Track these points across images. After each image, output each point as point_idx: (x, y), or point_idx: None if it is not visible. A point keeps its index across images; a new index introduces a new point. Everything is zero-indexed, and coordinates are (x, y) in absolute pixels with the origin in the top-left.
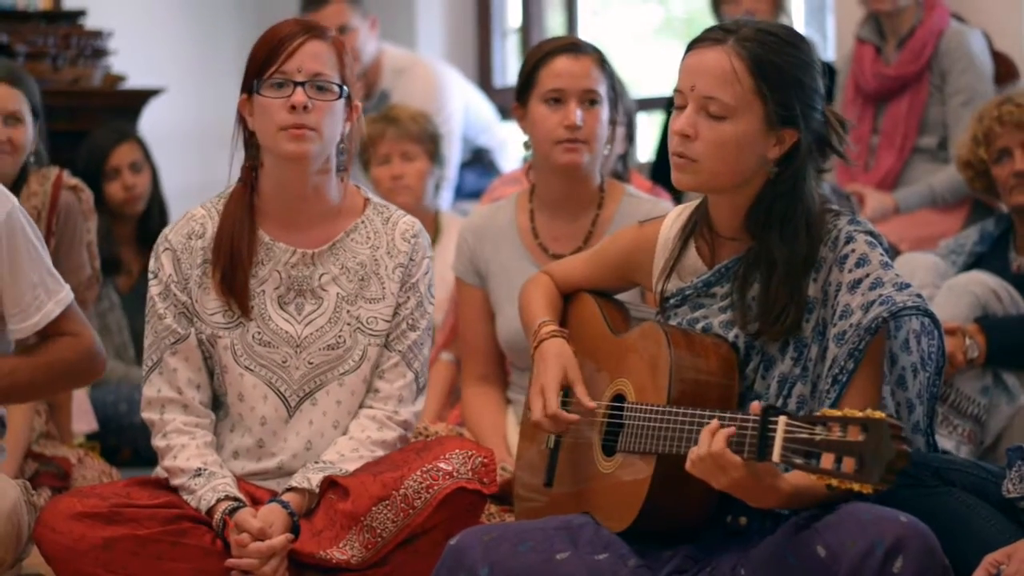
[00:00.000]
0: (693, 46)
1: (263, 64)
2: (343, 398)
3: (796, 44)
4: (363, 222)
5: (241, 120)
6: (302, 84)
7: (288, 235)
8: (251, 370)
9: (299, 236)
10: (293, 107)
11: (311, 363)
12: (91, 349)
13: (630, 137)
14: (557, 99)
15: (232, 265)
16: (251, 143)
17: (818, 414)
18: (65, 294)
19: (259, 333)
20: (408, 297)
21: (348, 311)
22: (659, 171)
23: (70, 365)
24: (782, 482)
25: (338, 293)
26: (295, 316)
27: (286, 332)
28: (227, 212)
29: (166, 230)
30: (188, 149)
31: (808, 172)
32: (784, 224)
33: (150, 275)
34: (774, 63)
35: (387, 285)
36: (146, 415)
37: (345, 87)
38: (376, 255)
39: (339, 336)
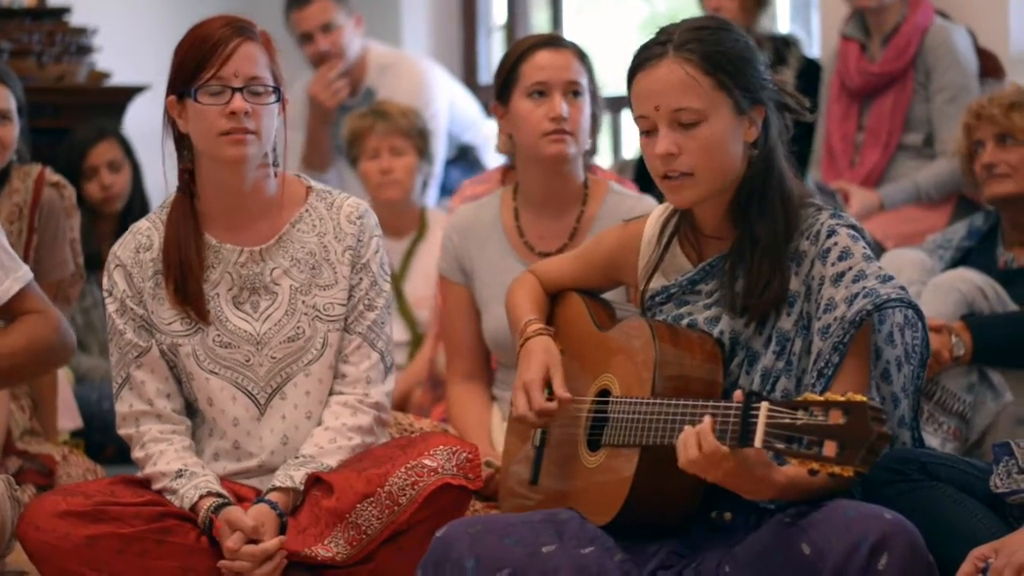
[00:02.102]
0: (637, 70)
1: (196, 69)
2: (311, 388)
3: (727, 29)
4: (307, 211)
5: (171, 122)
6: (240, 90)
7: (234, 235)
8: (216, 373)
9: (245, 234)
10: (233, 113)
11: (274, 358)
12: (59, 326)
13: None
14: (541, 92)
15: (183, 275)
16: (182, 146)
17: (799, 399)
18: (24, 272)
19: (219, 336)
20: (361, 278)
21: (303, 301)
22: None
23: (44, 342)
24: (776, 473)
25: (291, 285)
26: (251, 314)
27: (245, 331)
28: (170, 222)
29: (114, 247)
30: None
31: (777, 143)
32: (762, 200)
33: (105, 294)
34: (722, 53)
35: (338, 269)
36: (123, 431)
37: (279, 87)
38: (324, 241)
39: (298, 327)
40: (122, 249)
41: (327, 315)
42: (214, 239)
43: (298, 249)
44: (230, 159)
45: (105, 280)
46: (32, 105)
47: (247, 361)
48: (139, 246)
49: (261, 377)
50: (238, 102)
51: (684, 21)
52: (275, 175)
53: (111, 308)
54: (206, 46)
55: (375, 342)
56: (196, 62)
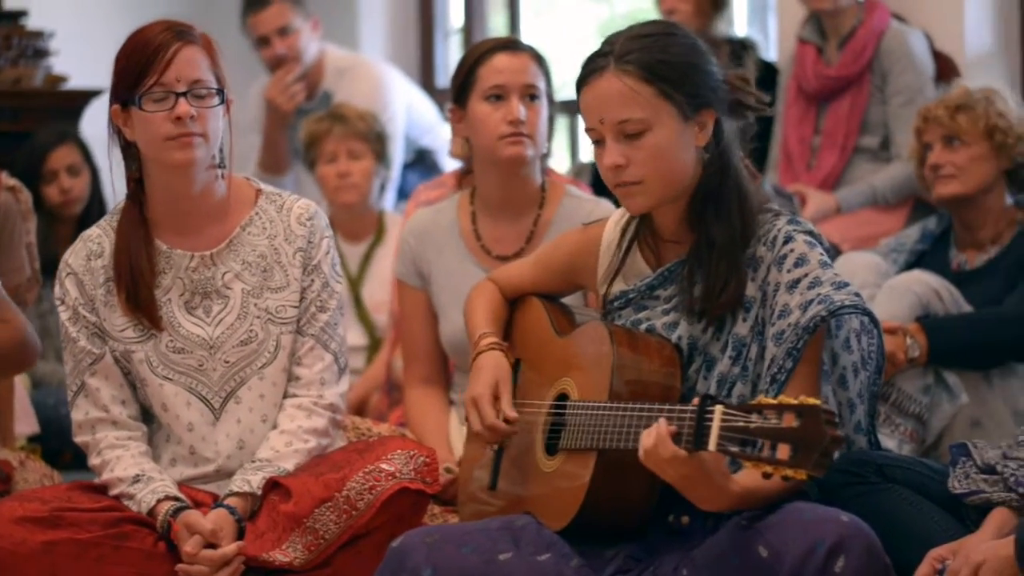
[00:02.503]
0: (582, 83)
1: (138, 76)
2: (266, 391)
3: (671, 33)
4: (257, 213)
5: (116, 131)
6: (184, 94)
7: (184, 240)
8: (170, 379)
9: (195, 239)
10: (178, 118)
11: (227, 362)
12: (24, 335)
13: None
14: (499, 95)
15: (134, 282)
16: (129, 154)
17: (753, 403)
18: None
19: (171, 341)
20: (312, 280)
21: (255, 304)
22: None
23: (6, 351)
24: (732, 484)
25: (243, 288)
26: (204, 319)
27: (198, 336)
28: (120, 230)
29: (65, 255)
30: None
31: (732, 144)
32: (718, 202)
33: (57, 302)
34: (663, 61)
35: (290, 271)
36: (79, 439)
37: (223, 89)
38: (275, 244)
39: (250, 331)
40: (73, 257)
41: (279, 318)
42: (164, 245)
43: (249, 252)
44: (178, 163)
45: (57, 288)
46: None
47: (200, 366)
48: (90, 253)
49: (215, 382)
50: (182, 107)
51: (629, 28)
52: (223, 177)
53: (64, 316)
54: (147, 52)
55: (328, 343)
56: (138, 69)
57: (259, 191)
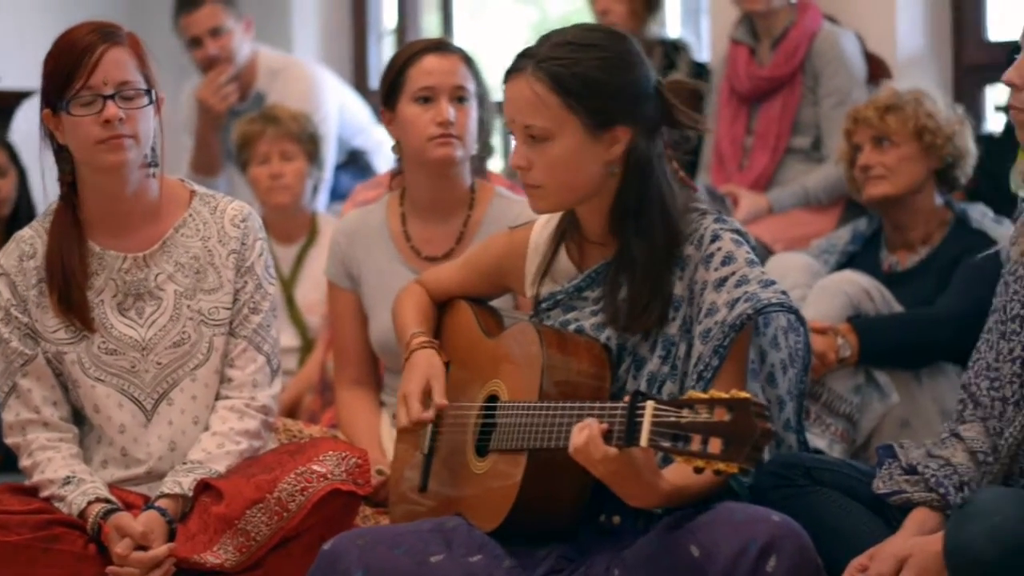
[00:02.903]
0: (505, 79)
1: (66, 80)
2: (198, 393)
3: (597, 45)
4: (191, 215)
5: (48, 134)
6: (111, 97)
7: (117, 241)
8: (102, 380)
9: (128, 240)
10: (107, 121)
11: (160, 363)
12: None
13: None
14: (428, 97)
15: (67, 283)
16: (62, 157)
17: (685, 397)
18: None
19: (104, 343)
20: (245, 281)
21: (188, 306)
22: None
23: None
24: (662, 481)
25: (175, 290)
26: (136, 320)
27: (130, 337)
28: (53, 231)
29: None
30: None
31: (652, 159)
32: (639, 218)
33: None
34: (575, 74)
35: (223, 273)
36: (10, 440)
37: (152, 89)
38: (208, 245)
39: (183, 332)
40: (5, 257)
41: (212, 319)
42: (97, 246)
43: (182, 254)
44: (109, 166)
45: None
46: None
47: (133, 367)
48: (23, 254)
49: (147, 383)
50: (111, 109)
51: (559, 32)
52: (155, 176)
53: None
54: (73, 55)
55: (261, 345)
56: (65, 73)
57: (193, 192)
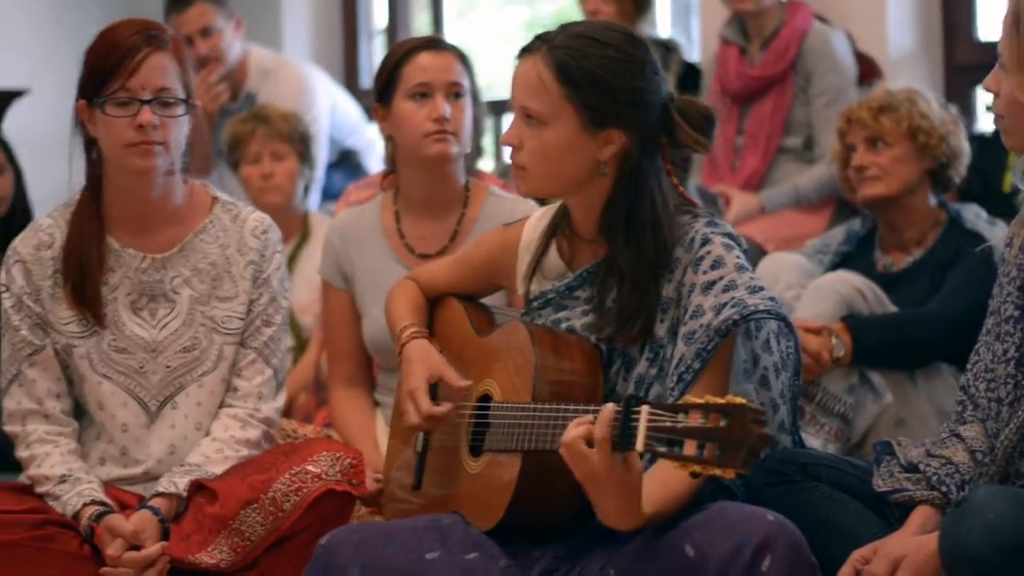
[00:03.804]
0: (517, 56)
1: (104, 78)
2: (203, 399)
3: (612, 44)
4: (211, 222)
5: (80, 124)
6: (148, 102)
7: (137, 240)
8: (109, 378)
9: (148, 241)
10: (140, 126)
11: (168, 367)
12: None
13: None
14: (423, 93)
15: (82, 276)
16: (92, 148)
17: (680, 402)
18: None
19: (114, 340)
20: (261, 293)
21: (202, 312)
22: None
23: None
24: (643, 504)
25: (191, 295)
26: (149, 321)
27: (141, 338)
28: (74, 222)
29: (15, 242)
30: (53, 151)
31: (648, 171)
32: (628, 227)
33: (1, 288)
34: (582, 67)
35: (239, 283)
36: (8, 428)
37: (189, 99)
38: (227, 253)
39: (194, 338)
40: (23, 245)
41: (225, 328)
42: (117, 243)
43: (200, 259)
44: (137, 170)
45: (3, 275)
46: None
47: (141, 368)
48: (40, 243)
49: (154, 385)
50: (146, 115)
51: (576, 24)
52: (185, 182)
53: (7, 303)
54: (115, 55)
55: (270, 358)
56: (105, 71)
57: (215, 198)
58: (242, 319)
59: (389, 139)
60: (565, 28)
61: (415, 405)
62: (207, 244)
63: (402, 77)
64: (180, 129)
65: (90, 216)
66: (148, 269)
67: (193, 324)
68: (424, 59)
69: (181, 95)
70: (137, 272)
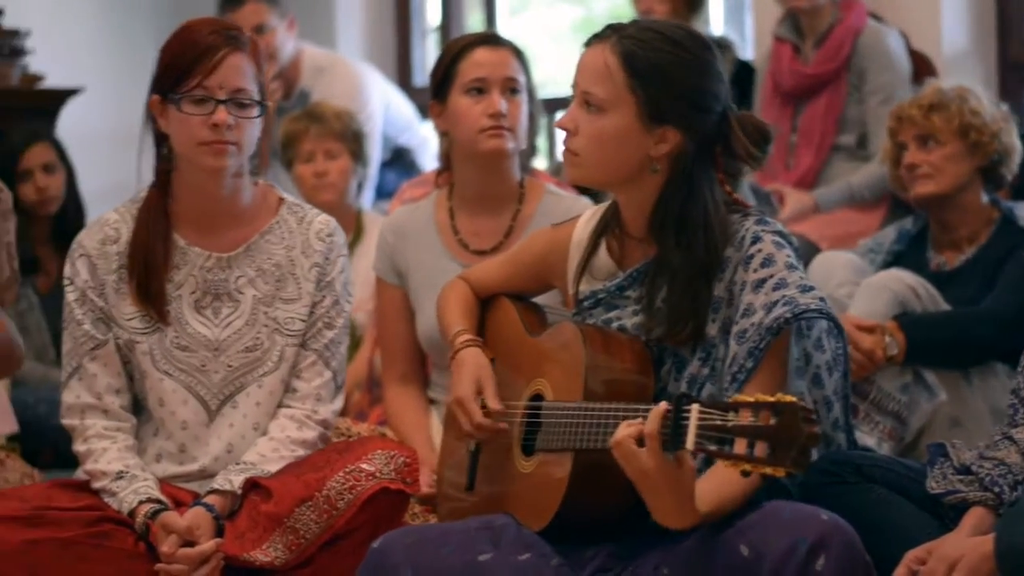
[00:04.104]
0: (587, 43)
1: (182, 74)
2: (262, 400)
3: (682, 43)
4: (278, 223)
5: (152, 120)
6: (224, 102)
7: (203, 239)
8: (170, 375)
9: (214, 240)
10: (215, 125)
11: (230, 366)
12: (6, 340)
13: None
14: (480, 89)
15: (147, 273)
16: (163, 143)
17: (730, 400)
18: None
19: (177, 338)
20: (324, 296)
21: (265, 312)
22: None
23: None
24: (696, 502)
25: (254, 295)
26: (212, 320)
27: (204, 336)
28: (141, 219)
29: (80, 235)
30: (106, 149)
31: (701, 176)
32: (680, 229)
33: (66, 281)
34: (649, 60)
35: (303, 285)
36: (66, 421)
37: (264, 100)
38: (291, 255)
39: (257, 338)
40: (88, 238)
41: (287, 329)
42: (183, 240)
43: (265, 260)
44: (208, 169)
45: (67, 268)
46: None
47: (203, 366)
48: (106, 238)
49: (215, 384)
50: (221, 115)
51: (648, 20)
52: (256, 183)
53: (71, 296)
54: (193, 53)
55: (329, 361)
56: (182, 68)
57: (282, 200)
58: (304, 321)
59: (444, 135)
60: (636, 22)
61: (466, 415)
62: (272, 245)
63: (458, 72)
64: (253, 131)
65: (157, 213)
66: (213, 268)
67: (256, 324)
68: (481, 55)
69: (256, 97)
70: (202, 271)
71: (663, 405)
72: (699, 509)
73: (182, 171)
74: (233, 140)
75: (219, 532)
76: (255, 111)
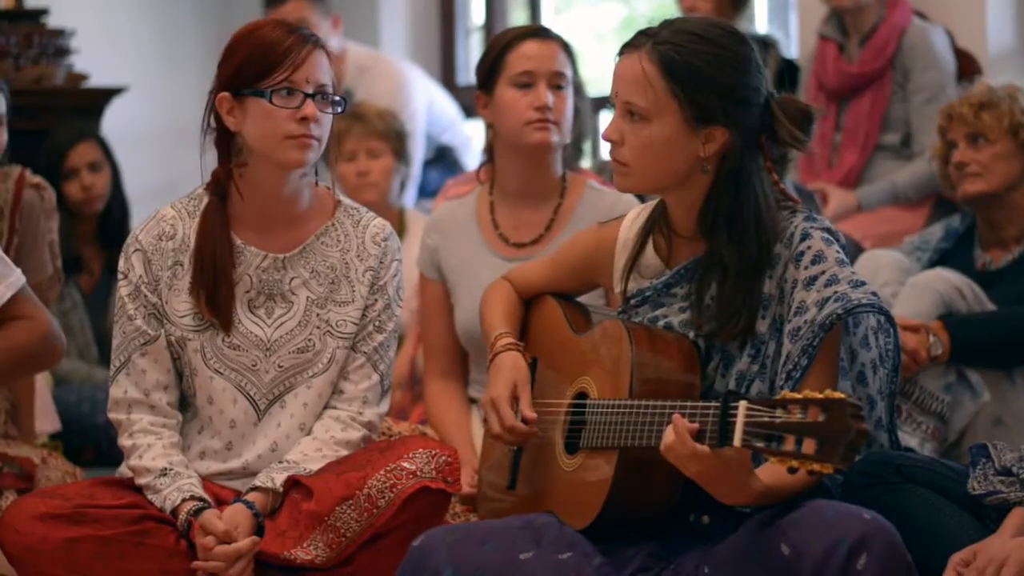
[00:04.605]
0: (620, 52)
1: (267, 69)
2: (310, 401)
3: (717, 41)
4: (333, 225)
5: (216, 118)
6: (311, 96)
7: (259, 239)
8: (221, 373)
9: (270, 240)
10: (304, 118)
11: (281, 366)
12: (47, 332)
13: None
14: (527, 83)
15: (215, 284)
16: (227, 142)
17: (778, 397)
18: (16, 277)
19: (229, 337)
20: (376, 299)
21: (318, 314)
22: None
23: (27, 349)
24: (755, 480)
25: (308, 296)
26: (265, 319)
27: (256, 335)
28: (204, 224)
29: (136, 230)
30: (150, 148)
31: (750, 170)
32: (731, 225)
33: (119, 275)
34: (687, 63)
35: (357, 288)
36: (112, 415)
37: (345, 98)
38: (346, 258)
39: (309, 339)
40: (144, 234)
41: (339, 332)
42: (239, 240)
43: (320, 262)
44: (291, 162)
45: (122, 262)
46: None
47: (253, 365)
48: (162, 234)
49: (265, 383)
50: (310, 108)
51: (680, 21)
52: (316, 184)
53: (124, 291)
54: (277, 49)
55: (378, 364)
56: (266, 63)
57: (338, 203)
58: (356, 324)
59: (489, 127)
60: (669, 24)
61: (498, 416)
62: (328, 247)
63: (506, 64)
64: (328, 128)
65: (221, 220)
66: (268, 268)
67: (308, 326)
68: (529, 47)
69: (340, 95)
70: (257, 271)
71: (710, 403)
72: (756, 487)
73: (251, 169)
74: (317, 135)
75: (259, 529)
76: (337, 108)
